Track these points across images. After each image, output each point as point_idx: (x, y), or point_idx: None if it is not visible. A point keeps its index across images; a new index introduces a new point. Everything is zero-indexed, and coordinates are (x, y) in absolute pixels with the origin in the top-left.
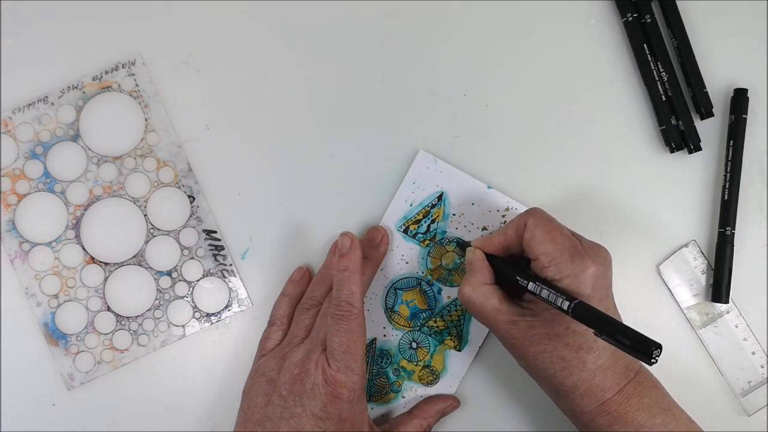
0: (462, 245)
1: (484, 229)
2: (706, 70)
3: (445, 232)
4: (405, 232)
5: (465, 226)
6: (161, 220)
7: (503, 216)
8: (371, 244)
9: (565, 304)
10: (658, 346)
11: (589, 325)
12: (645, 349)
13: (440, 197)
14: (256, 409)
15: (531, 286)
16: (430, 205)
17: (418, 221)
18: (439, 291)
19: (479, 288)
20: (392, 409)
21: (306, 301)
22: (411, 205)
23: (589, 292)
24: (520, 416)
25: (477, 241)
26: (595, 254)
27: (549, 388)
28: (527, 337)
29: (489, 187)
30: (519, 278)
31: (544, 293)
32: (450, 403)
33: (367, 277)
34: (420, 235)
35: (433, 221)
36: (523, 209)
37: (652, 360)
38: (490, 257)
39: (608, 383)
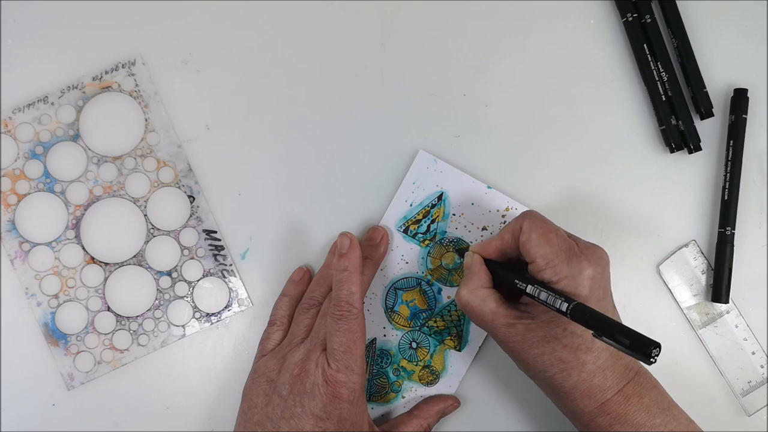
0: (460, 250)
1: (484, 229)
2: (706, 70)
3: (445, 232)
4: (405, 232)
5: (465, 226)
6: (161, 220)
7: (503, 216)
8: (371, 244)
9: (564, 306)
10: (657, 346)
11: (588, 327)
12: (644, 348)
13: (440, 197)
14: (256, 410)
15: (530, 289)
16: (430, 205)
17: (418, 221)
18: (439, 291)
19: (476, 291)
20: (392, 409)
21: (306, 301)
22: (411, 205)
23: (586, 293)
24: (520, 416)
25: (475, 246)
26: (592, 255)
27: (548, 389)
28: (525, 339)
29: (489, 187)
30: (517, 282)
31: (543, 296)
32: (450, 403)
33: (367, 277)
34: (420, 235)
35: (433, 221)
36: (523, 209)
37: (652, 359)
38: (488, 262)
39: (607, 384)
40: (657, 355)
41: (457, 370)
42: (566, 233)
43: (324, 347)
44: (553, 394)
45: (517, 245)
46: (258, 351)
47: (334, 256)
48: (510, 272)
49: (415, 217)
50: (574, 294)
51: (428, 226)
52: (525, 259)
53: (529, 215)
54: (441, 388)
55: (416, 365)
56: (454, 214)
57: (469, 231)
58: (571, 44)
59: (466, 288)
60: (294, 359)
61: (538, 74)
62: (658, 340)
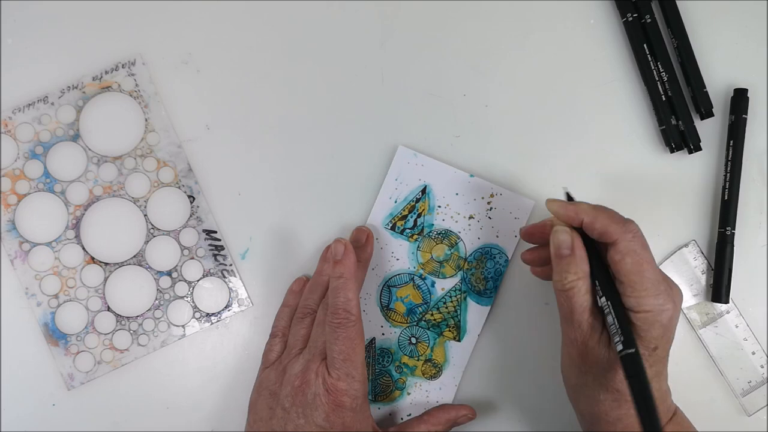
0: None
1: (471, 218)
2: (706, 70)
3: (433, 224)
4: (392, 228)
5: (452, 217)
6: (161, 220)
7: (489, 203)
8: (357, 246)
9: (619, 346)
10: None
11: (628, 379)
12: None
13: (424, 191)
14: (261, 423)
15: (601, 301)
16: (414, 199)
17: (404, 217)
18: (433, 284)
19: (585, 280)
20: (398, 408)
21: (301, 310)
22: (396, 202)
23: (660, 333)
24: (521, 416)
25: (561, 206)
26: (676, 294)
27: (587, 408)
28: (597, 346)
29: (471, 176)
30: (597, 285)
31: (609, 319)
32: (463, 414)
33: (359, 280)
34: (408, 231)
35: (419, 215)
36: (508, 194)
37: None
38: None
39: None
40: None
41: (458, 361)
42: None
43: (323, 356)
44: (591, 418)
45: (600, 239)
46: (261, 363)
47: (325, 263)
48: (597, 270)
49: (401, 213)
50: (650, 329)
51: (415, 221)
52: (611, 271)
53: (631, 234)
54: (445, 380)
55: (418, 360)
56: (439, 206)
57: (456, 221)
58: (571, 44)
59: (572, 273)
60: (294, 370)
61: (538, 74)
62: None
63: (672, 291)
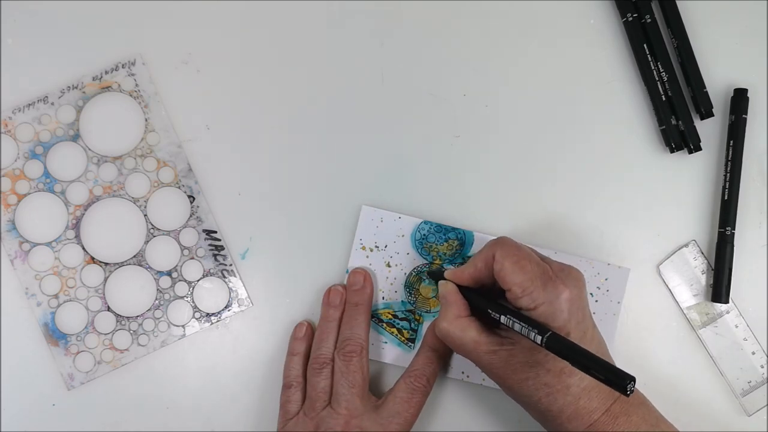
0: (432, 273)
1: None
2: (706, 70)
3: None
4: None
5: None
6: (161, 220)
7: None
8: (355, 289)
9: (538, 338)
10: (632, 379)
11: (563, 357)
12: (620, 381)
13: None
14: None
15: (503, 319)
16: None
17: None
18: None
19: (456, 322)
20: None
21: (315, 360)
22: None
23: (565, 317)
24: (520, 416)
25: (448, 273)
26: (567, 277)
27: (536, 413)
28: (509, 365)
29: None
30: (491, 311)
31: (516, 327)
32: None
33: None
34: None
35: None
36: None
37: (628, 392)
38: (463, 289)
39: (594, 404)
40: (632, 389)
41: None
42: (539, 256)
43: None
44: (541, 418)
45: (491, 273)
46: (280, 415)
47: (330, 308)
48: (484, 300)
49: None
50: (553, 319)
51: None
52: (501, 287)
53: (501, 243)
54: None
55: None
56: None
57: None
58: (571, 44)
59: (445, 319)
60: (331, 426)
61: (538, 74)
62: (661, 346)
63: (564, 275)
